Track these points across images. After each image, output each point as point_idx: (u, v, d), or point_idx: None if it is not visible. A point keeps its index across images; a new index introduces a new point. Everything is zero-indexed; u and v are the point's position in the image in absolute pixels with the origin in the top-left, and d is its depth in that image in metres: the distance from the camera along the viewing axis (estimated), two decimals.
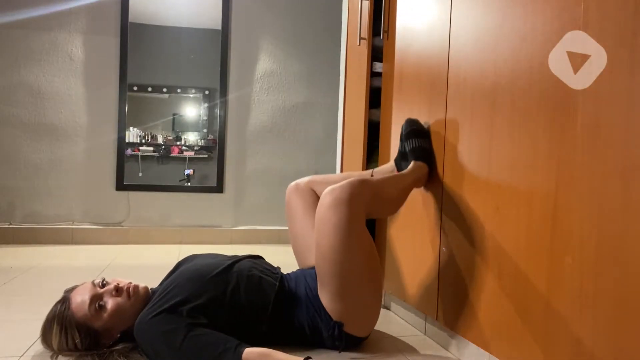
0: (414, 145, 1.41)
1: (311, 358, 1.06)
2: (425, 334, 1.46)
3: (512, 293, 1.02)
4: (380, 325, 1.53)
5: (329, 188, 1.22)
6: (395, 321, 1.60)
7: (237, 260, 1.31)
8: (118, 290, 1.18)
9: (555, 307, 0.90)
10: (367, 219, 1.27)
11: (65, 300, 1.17)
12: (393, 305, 1.71)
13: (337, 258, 1.18)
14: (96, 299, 1.15)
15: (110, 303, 1.16)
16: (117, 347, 1.14)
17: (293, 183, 1.52)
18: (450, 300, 1.26)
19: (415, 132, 1.42)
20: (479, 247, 1.15)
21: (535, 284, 0.96)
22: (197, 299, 1.14)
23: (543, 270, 0.94)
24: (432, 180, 1.41)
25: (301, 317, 1.26)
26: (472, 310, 1.17)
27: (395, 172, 1.47)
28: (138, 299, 1.19)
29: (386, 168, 1.56)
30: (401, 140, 1.47)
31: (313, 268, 1.34)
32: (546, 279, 0.93)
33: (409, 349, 1.32)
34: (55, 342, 1.13)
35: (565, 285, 0.88)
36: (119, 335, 1.18)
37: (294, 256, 1.53)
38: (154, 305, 1.14)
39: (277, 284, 1.27)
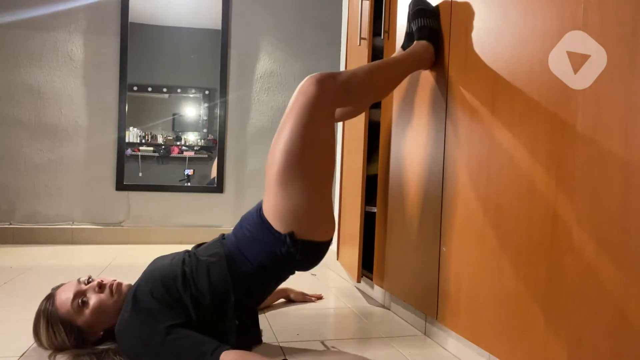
0: (420, 24, 1.35)
1: (286, 359, 1.06)
2: (425, 334, 1.46)
3: (512, 293, 1.02)
4: (380, 325, 1.53)
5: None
6: (395, 321, 1.60)
7: (186, 254, 1.28)
8: (101, 287, 1.19)
9: (555, 306, 0.90)
10: (354, 106, 1.27)
11: (50, 297, 1.18)
12: (393, 305, 1.71)
13: (291, 134, 1.14)
14: (79, 295, 1.16)
15: (92, 299, 1.17)
16: (112, 346, 1.14)
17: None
18: (450, 300, 1.26)
19: (422, 11, 1.36)
20: (479, 247, 1.15)
21: (535, 284, 0.96)
22: (166, 299, 1.13)
23: (543, 270, 0.94)
24: (437, 63, 1.33)
25: (257, 258, 1.20)
26: (472, 310, 1.17)
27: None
28: (121, 296, 1.20)
29: (395, 57, 1.50)
30: (408, 20, 1.41)
31: (252, 209, 1.30)
32: (546, 279, 0.93)
33: (409, 349, 1.32)
34: (44, 338, 1.15)
35: (565, 285, 0.88)
36: (102, 332, 1.18)
37: None
38: (127, 307, 1.14)
39: (222, 252, 1.22)
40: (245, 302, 1.23)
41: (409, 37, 1.42)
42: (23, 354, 1.20)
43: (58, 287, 1.22)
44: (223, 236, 1.32)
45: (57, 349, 1.15)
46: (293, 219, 1.16)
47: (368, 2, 1.86)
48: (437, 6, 1.38)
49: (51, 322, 1.14)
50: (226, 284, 1.18)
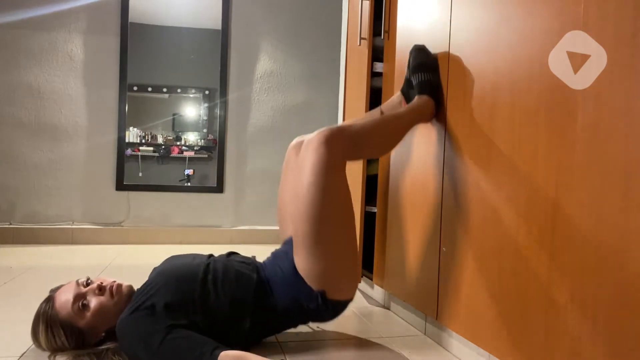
0: (420, 79, 1.37)
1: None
2: (425, 334, 1.46)
3: (512, 293, 1.02)
4: (380, 325, 1.53)
5: (310, 136, 1.23)
6: (395, 321, 1.60)
7: (213, 258, 1.31)
8: (101, 289, 1.19)
9: (555, 306, 0.90)
10: (358, 159, 1.27)
11: (49, 300, 1.18)
12: (393, 305, 1.71)
13: (313, 197, 1.17)
14: (79, 298, 1.16)
15: (93, 302, 1.17)
16: (111, 346, 1.14)
17: (295, 140, 1.46)
18: (450, 300, 1.26)
19: (423, 65, 1.38)
20: (479, 247, 1.15)
21: (536, 284, 0.96)
22: (176, 300, 1.14)
23: (543, 270, 0.94)
24: (438, 115, 1.36)
25: (283, 300, 1.23)
26: (472, 310, 1.17)
27: (403, 103, 1.46)
28: (121, 297, 1.20)
29: (394, 100, 1.54)
30: (408, 68, 1.44)
31: (286, 244, 1.33)
32: (546, 279, 0.93)
33: (409, 349, 1.32)
34: (43, 341, 1.14)
35: (565, 285, 0.88)
36: (103, 334, 1.18)
37: None
38: (133, 305, 1.15)
39: (255, 275, 1.25)
40: (257, 331, 1.24)
41: (409, 83, 1.45)
42: (23, 354, 1.20)
43: (56, 289, 1.22)
44: (257, 262, 1.34)
45: (56, 350, 1.14)
46: (325, 280, 1.21)
47: (368, 2, 1.86)
48: (437, 59, 1.38)
49: (51, 325, 1.14)
50: (246, 308, 1.20)
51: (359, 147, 1.29)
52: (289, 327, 1.31)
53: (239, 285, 1.22)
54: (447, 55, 1.33)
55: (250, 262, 1.33)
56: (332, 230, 1.21)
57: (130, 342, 1.11)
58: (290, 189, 1.38)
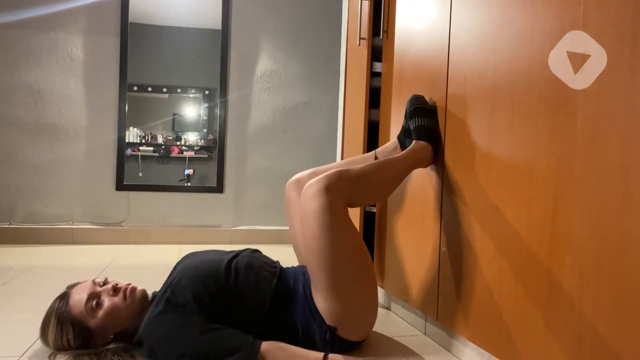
0: (417, 124, 1.37)
1: (330, 353, 1.09)
2: (425, 334, 1.46)
3: (512, 293, 1.02)
4: (380, 326, 1.53)
5: (309, 181, 1.22)
6: (395, 321, 1.60)
7: (236, 255, 1.30)
8: (116, 290, 1.19)
9: (555, 307, 0.90)
10: (357, 206, 1.27)
11: (65, 296, 1.18)
12: (393, 305, 1.71)
13: (321, 248, 1.16)
14: (93, 297, 1.16)
15: (106, 302, 1.17)
16: (110, 347, 1.14)
17: (293, 178, 1.48)
18: (450, 300, 1.26)
19: (420, 110, 1.38)
20: (479, 247, 1.15)
21: (536, 284, 0.95)
22: (203, 295, 1.15)
23: (543, 270, 0.94)
24: (437, 160, 1.36)
25: (296, 317, 1.22)
26: (473, 310, 1.17)
27: (399, 150, 1.45)
28: (135, 300, 1.20)
29: (389, 146, 1.53)
30: (405, 117, 1.44)
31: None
32: (546, 279, 0.93)
33: (409, 349, 1.32)
34: (51, 337, 1.14)
35: (565, 285, 0.88)
36: (112, 336, 1.18)
37: (293, 256, 1.53)
38: (158, 303, 1.15)
39: (275, 280, 1.25)
40: (264, 334, 1.22)
41: (406, 132, 1.45)
42: (23, 354, 1.20)
43: (73, 285, 1.22)
44: (282, 269, 1.33)
45: (59, 349, 1.14)
46: (340, 320, 1.19)
47: (367, 2, 1.86)
48: (435, 107, 1.38)
49: (62, 321, 1.14)
50: (260, 312, 1.20)
51: (358, 192, 1.27)
52: (291, 342, 1.30)
53: (257, 287, 1.22)
54: (447, 58, 1.33)
55: (274, 264, 1.33)
56: (346, 276, 1.19)
57: (165, 338, 1.10)
58: (298, 232, 1.40)
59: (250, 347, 1.06)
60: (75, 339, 1.13)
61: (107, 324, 1.16)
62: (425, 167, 1.40)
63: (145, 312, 1.19)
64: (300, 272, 1.32)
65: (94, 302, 1.16)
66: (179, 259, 1.45)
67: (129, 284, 1.22)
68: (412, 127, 1.39)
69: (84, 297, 1.16)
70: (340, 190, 1.20)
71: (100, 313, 1.15)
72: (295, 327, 1.22)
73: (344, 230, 1.19)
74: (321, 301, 1.20)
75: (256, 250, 1.39)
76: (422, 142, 1.36)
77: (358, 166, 1.31)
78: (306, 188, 1.21)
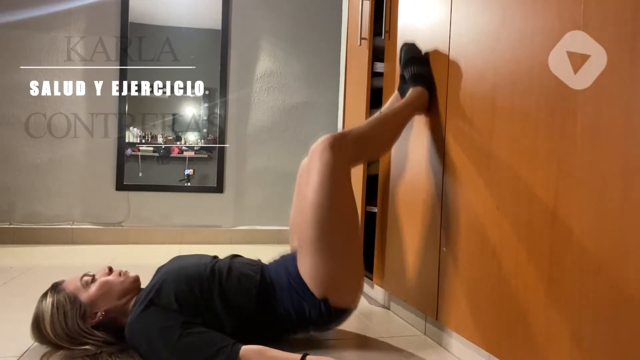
0: (412, 72, 1.43)
1: (308, 354, 1.07)
2: (425, 334, 1.46)
3: (512, 293, 1.02)
4: (380, 325, 1.53)
5: (317, 141, 1.27)
6: (395, 321, 1.60)
7: (218, 259, 1.33)
8: (110, 270, 1.26)
9: (556, 306, 0.90)
10: (363, 161, 1.32)
11: (56, 286, 1.21)
12: (393, 305, 1.71)
13: (317, 201, 1.20)
14: (87, 275, 1.22)
15: (100, 277, 1.22)
16: (105, 348, 1.14)
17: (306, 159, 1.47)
18: (450, 300, 1.26)
19: (413, 59, 1.44)
20: (479, 246, 1.15)
21: (536, 284, 0.96)
22: (187, 297, 1.15)
23: (543, 270, 0.94)
24: (432, 107, 1.41)
25: (286, 304, 1.24)
26: (472, 310, 1.17)
27: (399, 99, 1.49)
28: (127, 279, 1.24)
29: (392, 100, 1.58)
30: (400, 67, 1.49)
31: (295, 253, 1.34)
32: (546, 279, 0.93)
33: (409, 349, 1.32)
34: (47, 318, 1.13)
35: (565, 285, 0.88)
36: (102, 313, 1.17)
37: None
38: (143, 301, 1.15)
39: (258, 276, 1.27)
40: (257, 331, 1.24)
41: (403, 79, 1.49)
42: (23, 354, 1.20)
43: (61, 281, 1.23)
44: (262, 264, 1.36)
45: (55, 337, 1.13)
46: (328, 286, 1.22)
47: (368, 2, 1.86)
48: (427, 53, 1.44)
49: (59, 299, 1.15)
50: (248, 309, 1.22)
51: (362, 149, 1.33)
52: (289, 333, 1.31)
53: (241, 286, 1.23)
54: (447, 59, 1.33)
55: (255, 263, 1.35)
56: (337, 234, 1.22)
57: (147, 338, 1.10)
58: (298, 204, 1.43)
59: (229, 352, 1.05)
60: (69, 317, 1.13)
61: (98, 297, 1.18)
62: (422, 113, 1.45)
63: (132, 301, 1.21)
64: (282, 263, 1.33)
65: (89, 278, 1.21)
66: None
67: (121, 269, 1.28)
68: (407, 75, 1.44)
69: (79, 275, 1.22)
70: (345, 147, 1.26)
71: (94, 286, 1.19)
72: (288, 312, 1.24)
73: (343, 190, 1.24)
74: (308, 265, 1.22)
75: (237, 255, 1.40)
76: (418, 89, 1.41)
77: (359, 125, 1.38)
78: (313, 147, 1.27)
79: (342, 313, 1.27)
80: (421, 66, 1.43)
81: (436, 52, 1.40)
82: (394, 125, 1.42)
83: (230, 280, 1.23)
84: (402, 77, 1.49)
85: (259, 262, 1.37)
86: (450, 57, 1.31)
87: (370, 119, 1.42)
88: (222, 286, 1.21)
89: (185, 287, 1.17)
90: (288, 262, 1.32)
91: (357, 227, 1.30)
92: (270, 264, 1.37)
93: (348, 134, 1.29)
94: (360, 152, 1.34)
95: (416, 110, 1.42)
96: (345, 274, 1.25)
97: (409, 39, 1.52)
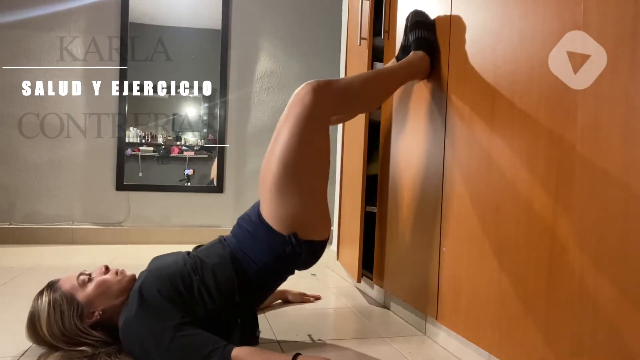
0: (417, 35, 1.38)
1: (300, 354, 1.07)
2: (425, 334, 1.46)
3: (512, 293, 1.02)
4: (380, 325, 1.53)
5: (302, 85, 1.24)
6: (395, 321, 1.60)
7: (192, 254, 1.30)
8: (107, 269, 1.24)
9: (556, 306, 0.90)
10: (346, 114, 1.29)
11: (52, 285, 1.20)
12: (393, 305, 1.71)
13: (288, 139, 1.18)
14: (84, 274, 1.21)
15: (96, 277, 1.21)
16: (103, 349, 1.13)
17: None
18: (450, 300, 1.26)
19: (421, 23, 1.39)
20: (479, 247, 1.15)
21: (536, 284, 0.96)
22: (173, 296, 1.14)
23: (543, 270, 0.94)
24: (433, 73, 1.36)
25: (261, 258, 1.22)
26: (472, 310, 1.17)
27: None
28: (124, 278, 1.23)
29: (388, 65, 1.54)
30: (405, 32, 1.44)
31: (250, 209, 1.33)
32: (546, 279, 0.93)
33: (409, 349, 1.32)
34: (43, 317, 1.12)
35: (565, 285, 0.88)
36: (100, 312, 1.17)
37: None
38: (132, 304, 1.14)
39: (228, 250, 1.25)
40: (249, 301, 1.25)
41: (404, 49, 1.45)
42: (23, 353, 1.20)
43: (57, 280, 1.22)
44: (223, 238, 1.34)
45: (51, 335, 1.12)
46: (293, 222, 1.21)
47: (368, 2, 1.86)
48: (434, 20, 1.41)
49: (55, 297, 1.14)
50: (232, 284, 1.20)
51: (346, 101, 1.28)
52: (278, 283, 1.31)
53: (218, 267, 1.22)
54: (448, 47, 1.33)
55: (218, 240, 1.33)
56: (303, 174, 1.20)
57: (138, 340, 1.10)
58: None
59: (222, 353, 1.05)
60: (63, 319, 1.12)
61: (96, 296, 1.17)
62: (421, 79, 1.40)
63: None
64: (237, 228, 1.32)
65: (86, 277, 1.19)
66: None
67: (118, 268, 1.26)
68: (411, 38, 1.40)
69: (76, 274, 1.20)
70: (327, 95, 1.22)
71: (91, 285, 1.18)
72: (265, 264, 1.23)
73: (317, 134, 1.21)
74: (271, 208, 1.21)
75: (198, 246, 1.38)
76: (420, 53, 1.37)
77: (349, 77, 1.33)
78: (298, 90, 1.23)
79: (315, 245, 1.25)
80: (428, 31, 1.37)
81: (440, 19, 1.39)
82: (387, 84, 1.37)
83: (205, 266, 1.21)
84: (403, 46, 1.44)
85: (218, 239, 1.34)
86: (451, 57, 1.31)
87: (363, 73, 1.37)
88: (201, 282, 1.19)
89: (169, 284, 1.16)
90: (243, 222, 1.30)
91: (326, 171, 1.27)
92: (230, 233, 1.34)
93: (335, 83, 1.24)
94: (345, 104, 1.29)
95: (414, 74, 1.37)
96: (311, 209, 1.23)
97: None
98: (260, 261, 1.23)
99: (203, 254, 1.27)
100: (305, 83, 1.22)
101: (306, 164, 1.20)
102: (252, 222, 1.26)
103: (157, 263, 1.29)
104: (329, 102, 1.23)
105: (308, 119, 1.19)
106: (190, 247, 1.36)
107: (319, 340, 1.38)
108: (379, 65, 1.86)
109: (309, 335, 1.39)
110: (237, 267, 1.22)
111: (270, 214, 1.22)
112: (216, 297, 1.18)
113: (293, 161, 1.18)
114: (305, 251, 1.22)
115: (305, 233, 1.22)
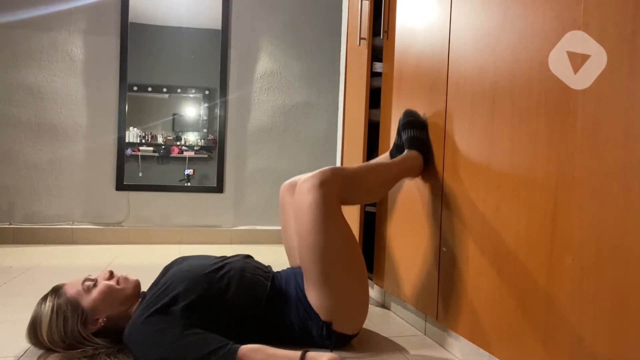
0: (409, 135, 1.42)
1: (309, 351, 1.07)
2: (425, 334, 1.46)
3: (512, 293, 1.02)
4: (380, 325, 1.53)
5: (304, 177, 1.25)
6: (395, 321, 1.60)
7: (228, 260, 1.32)
8: (111, 274, 1.24)
9: (556, 306, 0.90)
10: (346, 204, 1.30)
11: (57, 290, 1.19)
12: (393, 305, 1.71)
13: (315, 241, 1.20)
14: (89, 280, 1.21)
15: (101, 282, 1.20)
16: (103, 349, 1.13)
17: (287, 182, 1.52)
18: (450, 300, 1.26)
19: (412, 123, 1.43)
20: (479, 247, 1.15)
21: (536, 284, 0.96)
22: (189, 298, 1.15)
23: (543, 270, 0.94)
24: (428, 171, 1.40)
25: (291, 316, 1.26)
26: (472, 310, 1.17)
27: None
28: (128, 285, 1.23)
29: (381, 159, 1.56)
30: (398, 132, 1.48)
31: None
32: (546, 279, 0.93)
33: (409, 349, 1.32)
34: (44, 323, 1.12)
35: (565, 284, 0.88)
36: (104, 319, 1.17)
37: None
38: (147, 306, 1.14)
39: (269, 283, 1.28)
40: (259, 334, 1.24)
41: (398, 148, 1.49)
42: (23, 353, 1.20)
43: (62, 285, 1.22)
44: (270, 268, 1.38)
45: (50, 341, 1.12)
46: (333, 314, 1.23)
47: (368, 2, 1.86)
48: (426, 120, 1.43)
49: (59, 302, 1.13)
50: (255, 314, 1.23)
51: (351, 191, 1.31)
52: (291, 341, 1.31)
53: (251, 289, 1.24)
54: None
55: (267, 269, 1.36)
56: (338, 270, 1.23)
57: (144, 340, 1.10)
58: (292, 230, 1.44)
59: (228, 350, 1.06)
60: (65, 325, 1.11)
61: (100, 303, 1.17)
62: (414, 177, 1.45)
63: (135, 306, 1.21)
64: (292, 275, 1.34)
65: (91, 283, 1.19)
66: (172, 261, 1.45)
67: (122, 274, 1.26)
68: (404, 137, 1.44)
69: (81, 279, 1.20)
70: (334, 186, 1.24)
71: (95, 291, 1.18)
72: (292, 325, 1.26)
73: (337, 225, 1.23)
74: (314, 296, 1.23)
75: (249, 256, 1.41)
76: (414, 152, 1.41)
77: (353, 166, 1.36)
78: (301, 183, 1.24)
79: (344, 338, 1.27)
80: (419, 130, 1.42)
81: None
82: (386, 179, 1.40)
83: (242, 284, 1.24)
84: (396, 145, 1.49)
85: (269, 268, 1.39)
86: (451, 57, 1.31)
87: (363, 164, 1.43)
88: (230, 289, 1.21)
89: (192, 290, 1.17)
90: (297, 275, 1.33)
91: (359, 257, 1.29)
92: (280, 272, 1.38)
93: (339, 172, 1.27)
94: (350, 193, 1.31)
95: (409, 172, 1.41)
96: (351, 306, 1.26)
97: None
98: (289, 318, 1.26)
99: (245, 271, 1.28)
100: (310, 176, 1.24)
101: (337, 257, 1.22)
102: (302, 284, 1.28)
103: (185, 264, 1.30)
104: (337, 192, 1.24)
105: (322, 212, 1.20)
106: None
107: None
108: (378, 65, 1.86)
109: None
110: (269, 305, 1.25)
111: (312, 301, 1.24)
112: (236, 318, 1.20)
113: (325, 259, 1.20)
114: (334, 343, 1.24)
115: (341, 326, 1.24)
